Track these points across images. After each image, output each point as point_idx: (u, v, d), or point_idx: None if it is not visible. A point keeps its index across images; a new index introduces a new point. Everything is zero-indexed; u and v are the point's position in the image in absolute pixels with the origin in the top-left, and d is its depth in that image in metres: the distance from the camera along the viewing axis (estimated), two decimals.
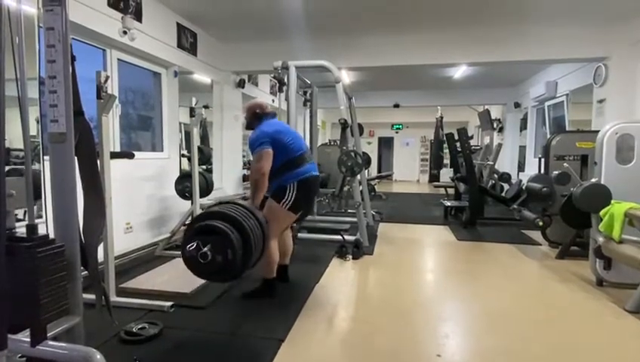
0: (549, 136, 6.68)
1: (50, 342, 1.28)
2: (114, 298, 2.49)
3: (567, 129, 6.06)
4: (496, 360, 1.96)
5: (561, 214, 3.41)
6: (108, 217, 2.39)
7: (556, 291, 3.00)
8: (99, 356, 1.28)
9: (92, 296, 1.58)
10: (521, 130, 8.61)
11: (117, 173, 2.63)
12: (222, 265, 1.92)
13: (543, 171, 4.32)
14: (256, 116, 2.73)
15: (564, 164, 3.40)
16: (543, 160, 4.40)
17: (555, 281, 3.19)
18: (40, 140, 2.69)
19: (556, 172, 3.55)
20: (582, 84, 5.54)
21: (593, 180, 3.01)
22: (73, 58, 1.44)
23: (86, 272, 1.46)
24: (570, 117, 6.16)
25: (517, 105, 8.46)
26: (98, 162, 1.69)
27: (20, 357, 1.46)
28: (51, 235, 1.31)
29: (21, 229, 1.25)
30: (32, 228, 1.21)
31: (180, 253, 3.66)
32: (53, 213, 1.39)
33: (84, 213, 1.50)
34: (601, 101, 4.71)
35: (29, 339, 1.23)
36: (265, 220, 2.28)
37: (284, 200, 2.58)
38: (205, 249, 1.89)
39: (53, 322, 1.28)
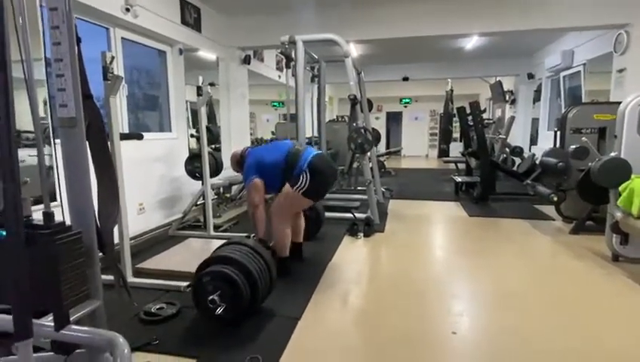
0: (563, 107, 6.51)
1: (74, 327, 1.30)
2: (131, 279, 2.53)
3: (583, 100, 5.88)
4: (512, 338, 1.97)
5: (578, 190, 3.34)
6: (121, 199, 2.40)
7: (572, 267, 2.98)
8: (122, 339, 1.29)
9: (110, 277, 1.60)
10: (534, 102, 8.39)
11: (127, 155, 2.61)
12: (223, 318, 2.01)
13: (558, 145, 4.21)
14: (240, 162, 2.95)
15: (583, 138, 3.29)
16: (558, 133, 4.28)
17: (570, 257, 3.17)
18: (50, 122, 2.66)
19: (573, 146, 3.45)
20: (601, 52, 5.31)
21: (612, 154, 2.92)
22: (79, 40, 1.39)
23: (101, 254, 1.47)
24: (586, 87, 5.96)
25: (530, 76, 8.20)
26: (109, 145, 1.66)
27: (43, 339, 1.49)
28: (65, 220, 1.30)
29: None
30: (48, 216, 1.20)
31: (192, 232, 3.73)
32: (68, 198, 1.38)
33: (99, 198, 1.49)
34: (621, 70, 4.52)
35: (52, 324, 1.25)
36: (272, 262, 2.29)
37: (297, 185, 2.61)
38: (220, 307, 1.96)
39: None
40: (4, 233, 1.13)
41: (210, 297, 1.96)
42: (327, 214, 4.33)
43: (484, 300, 2.46)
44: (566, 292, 2.53)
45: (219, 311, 1.93)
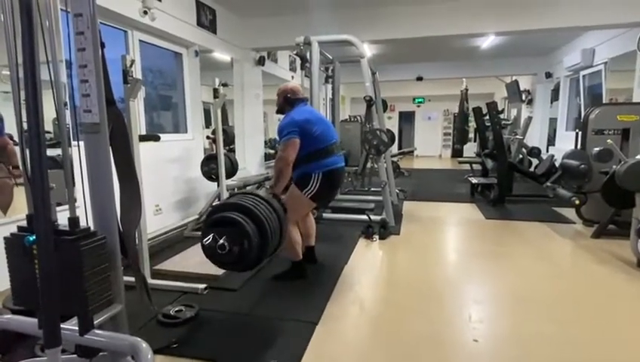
0: (582, 107, 6.35)
1: (98, 331, 1.31)
2: (149, 280, 2.54)
3: (603, 99, 5.72)
4: (535, 347, 1.91)
5: (602, 193, 3.24)
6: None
7: (595, 272, 2.89)
8: (144, 344, 1.30)
9: (128, 278, 1.60)
10: (551, 102, 8.21)
11: (144, 156, 2.63)
12: (239, 255, 1.94)
13: (579, 146, 4.10)
14: (287, 101, 2.64)
15: (608, 141, 3.19)
16: (579, 134, 4.17)
17: (593, 262, 3.08)
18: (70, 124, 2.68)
19: (597, 148, 3.35)
20: (623, 51, 5.16)
21: (639, 157, 2.83)
22: (102, 45, 1.40)
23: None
24: (606, 86, 5.80)
25: (548, 75, 8.03)
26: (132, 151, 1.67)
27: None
28: (85, 223, 1.31)
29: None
30: (74, 222, 1.21)
31: None
32: (91, 204, 1.39)
33: (121, 203, 1.50)
34: None
35: (76, 328, 1.26)
36: (282, 207, 2.23)
37: (307, 188, 2.53)
38: (222, 241, 1.90)
39: None
40: (32, 238, 1.15)
41: (205, 241, 1.91)
42: (342, 216, 4.32)
43: (505, 306, 2.40)
44: (590, 299, 2.46)
45: (220, 241, 1.89)
